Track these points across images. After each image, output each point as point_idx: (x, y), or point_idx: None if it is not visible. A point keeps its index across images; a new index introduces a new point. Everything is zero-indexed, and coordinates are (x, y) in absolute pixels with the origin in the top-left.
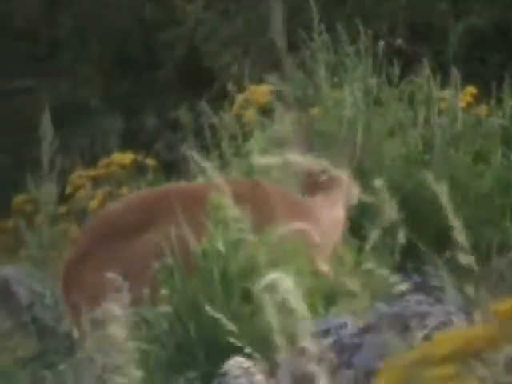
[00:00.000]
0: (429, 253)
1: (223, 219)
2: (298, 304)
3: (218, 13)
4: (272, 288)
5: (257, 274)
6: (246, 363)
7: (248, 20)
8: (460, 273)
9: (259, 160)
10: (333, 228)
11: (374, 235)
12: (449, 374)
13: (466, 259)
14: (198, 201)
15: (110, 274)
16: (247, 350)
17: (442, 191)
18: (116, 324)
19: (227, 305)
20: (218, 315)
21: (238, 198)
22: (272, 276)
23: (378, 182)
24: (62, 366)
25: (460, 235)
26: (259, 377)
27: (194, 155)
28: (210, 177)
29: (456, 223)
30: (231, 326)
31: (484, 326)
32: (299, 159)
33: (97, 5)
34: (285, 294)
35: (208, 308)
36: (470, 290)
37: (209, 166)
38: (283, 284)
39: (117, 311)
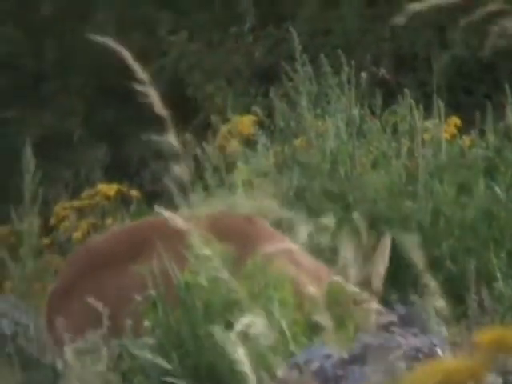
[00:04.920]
0: (414, 284)
1: (205, 253)
2: (269, 347)
3: (202, 44)
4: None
5: (239, 307)
6: None
7: (232, 51)
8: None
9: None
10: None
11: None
12: None
13: (438, 303)
14: (181, 234)
15: (92, 306)
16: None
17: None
18: (98, 356)
19: (208, 337)
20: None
21: (229, 233)
22: (245, 321)
23: (356, 215)
24: None
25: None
26: None
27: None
28: (194, 209)
29: (427, 277)
30: (216, 357)
31: (466, 358)
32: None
33: (81, 35)
34: (257, 338)
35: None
36: (454, 321)
37: (183, 203)
38: (256, 327)
39: (99, 343)
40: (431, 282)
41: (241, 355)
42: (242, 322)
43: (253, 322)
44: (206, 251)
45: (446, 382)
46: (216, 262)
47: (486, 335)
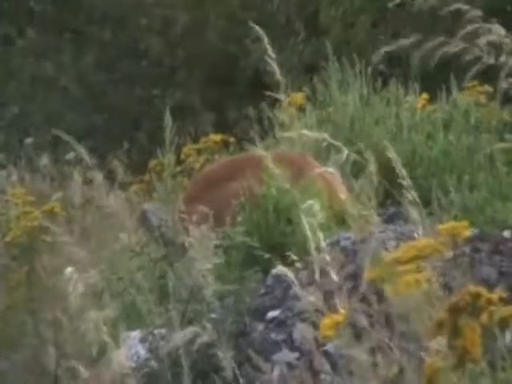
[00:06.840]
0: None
1: (274, 175)
2: (321, 221)
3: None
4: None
5: (295, 206)
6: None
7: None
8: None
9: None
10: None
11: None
12: (412, 268)
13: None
14: (261, 163)
15: (205, 209)
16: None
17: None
18: (209, 239)
19: (277, 225)
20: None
21: (290, 163)
22: (307, 204)
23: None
24: (177, 264)
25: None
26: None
27: (257, 138)
28: (267, 150)
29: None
30: (282, 237)
31: (431, 239)
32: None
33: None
34: (314, 214)
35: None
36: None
37: (261, 146)
38: (314, 208)
39: (209, 232)
40: (412, 192)
41: (304, 223)
42: (306, 204)
43: (311, 204)
44: (277, 171)
45: (419, 255)
46: (283, 177)
47: (444, 226)
